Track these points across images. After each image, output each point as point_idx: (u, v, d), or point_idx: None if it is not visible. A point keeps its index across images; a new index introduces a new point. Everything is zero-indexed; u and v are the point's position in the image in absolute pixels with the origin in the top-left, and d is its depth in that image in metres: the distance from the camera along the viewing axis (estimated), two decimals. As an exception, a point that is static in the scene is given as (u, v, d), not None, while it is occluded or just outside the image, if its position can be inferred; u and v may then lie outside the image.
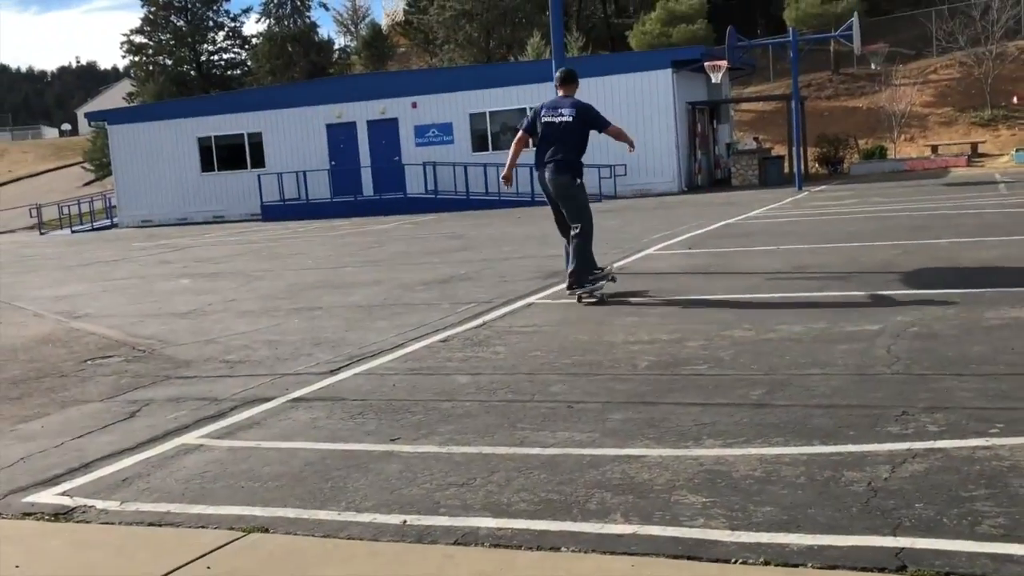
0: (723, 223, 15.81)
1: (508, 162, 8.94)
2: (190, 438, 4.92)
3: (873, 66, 31.38)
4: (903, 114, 32.65)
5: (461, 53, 48.34)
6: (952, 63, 35.90)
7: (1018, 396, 4.45)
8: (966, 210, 14.63)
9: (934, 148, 31.69)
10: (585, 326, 7.24)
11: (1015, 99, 32.95)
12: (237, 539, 3.53)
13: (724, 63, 25.83)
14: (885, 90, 34.01)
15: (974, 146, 31.06)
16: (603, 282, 8.55)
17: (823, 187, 25.37)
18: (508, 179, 8.94)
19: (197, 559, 3.37)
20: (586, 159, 8.94)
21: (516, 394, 5.29)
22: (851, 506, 3.28)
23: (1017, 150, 29.70)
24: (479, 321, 7.81)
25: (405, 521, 3.53)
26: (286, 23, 56.54)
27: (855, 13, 26.25)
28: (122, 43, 57.53)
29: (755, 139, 32.24)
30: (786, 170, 29.15)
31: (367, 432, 4.76)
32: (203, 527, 3.67)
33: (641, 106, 28.51)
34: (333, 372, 6.25)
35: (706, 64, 26.22)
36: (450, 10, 47.50)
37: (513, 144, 8.93)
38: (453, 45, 48.76)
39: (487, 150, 29.94)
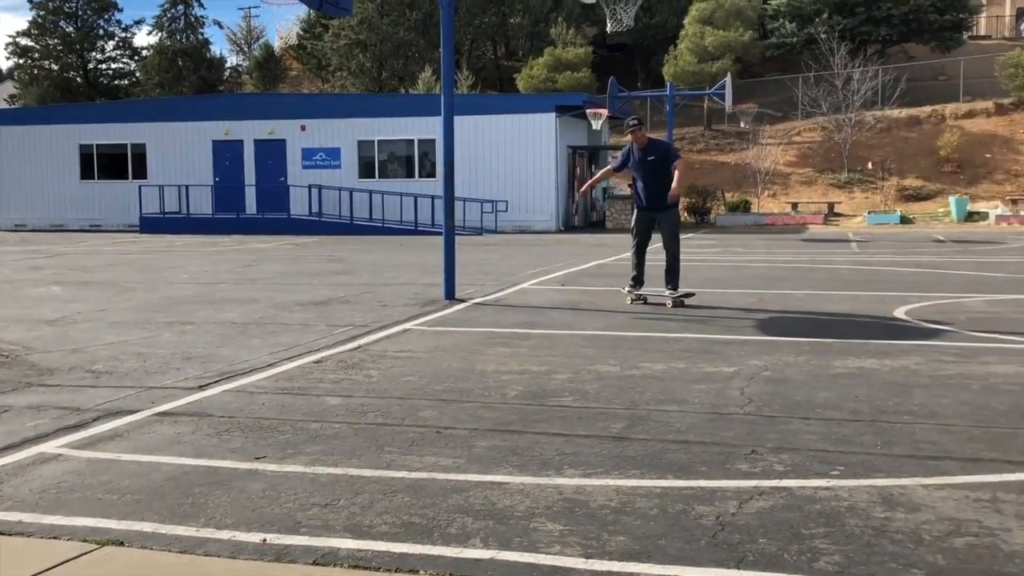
0: (596, 263, 16.21)
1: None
2: (49, 447, 4.77)
3: (742, 124, 32.77)
4: (767, 171, 34.14)
5: (353, 81, 48.22)
6: (815, 127, 37.77)
7: (858, 441, 4.75)
8: (820, 264, 15.40)
9: (794, 205, 33.22)
10: (459, 354, 7.33)
11: (870, 164, 34.88)
12: (90, 551, 3.46)
13: (605, 111, 26.60)
14: (752, 148, 35.51)
15: (831, 206, 32.68)
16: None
17: (691, 235, 26.23)
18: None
19: (46, 570, 3.29)
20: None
21: (386, 417, 5.33)
22: (700, 539, 3.45)
23: (870, 212, 31.43)
24: (354, 344, 7.81)
25: (265, 540, 3.52)
26: (178, 37, 55.36)
27: (728, 74, 27.41)
28: (7, 44, 55.48)
29: (629, 185, 33.05)
30: (657, 217, 29.97)
31: (232, 449, 4.72)
32: (56, 538, 3.58)
33: (525, 146, 29.07)
34: (202, 388, 6.15)
35: (588, 111, 26.93)
36: (344, 39, 47.40)
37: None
38: (345, 73, 48.62)
39: (373, 177, 30.01)
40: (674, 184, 9.96)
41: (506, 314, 9.72)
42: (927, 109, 38.12)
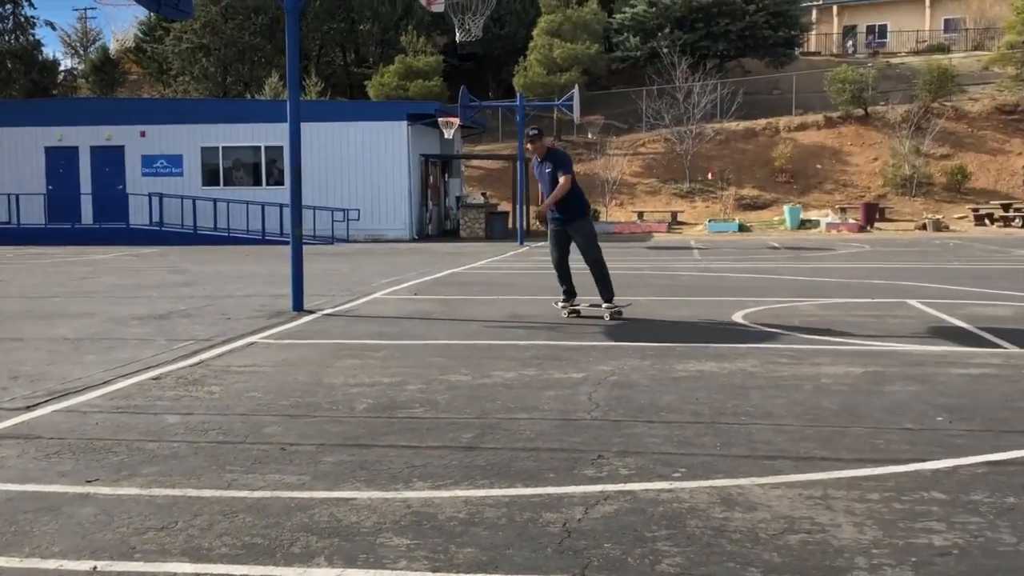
0: (449, 272, 16.21)
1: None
2: None
3: (590, 135, 33.48)
4: (614, 181, 34.98)
5: (196, 86, 46.77)
6: (658, 139, 38.94)
7: (699, 443, 4.89)
8: (664, 271, 15.87)
9: (640, 214, 34.15)
10: (306, 368, 7.18)
11: (710, 175, 36.19)
12: (-101, 590, 3.21)
13: (456, 120, 26.70)
14: (600, 158, 36.29)
15: (674, 214, 33.75)
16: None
17: (542, 243, 26.53)
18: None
19: None
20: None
21: (228, 435, 5.16)
22: (547, 547, 3.47)
23: (710, 220, 32.61)
24: (196, 359, 7.54)
25: (96, 567, 3.34)
26: (6, 38, 52.25)
27: (576, 86, 27.94)
28: None
29: (483, 194, 33.31)
30: (510, 225, 30.34)
31: (61, 473, 4.47)
32: None
33: (377, 154, 28.86)
34: (29, 408, 5.81)
35: (440, 120, 26.97)
36: (187, 42, 45.90)
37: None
38: (188, 77, 47.09)
39: (219, 185, 29.17)
40: (548, 200, 9.63)
41: (357, 325, 9.60)
42: (762, 122, 39.84)
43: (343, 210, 27.62)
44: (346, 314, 10.50)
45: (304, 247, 11.22)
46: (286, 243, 11.14)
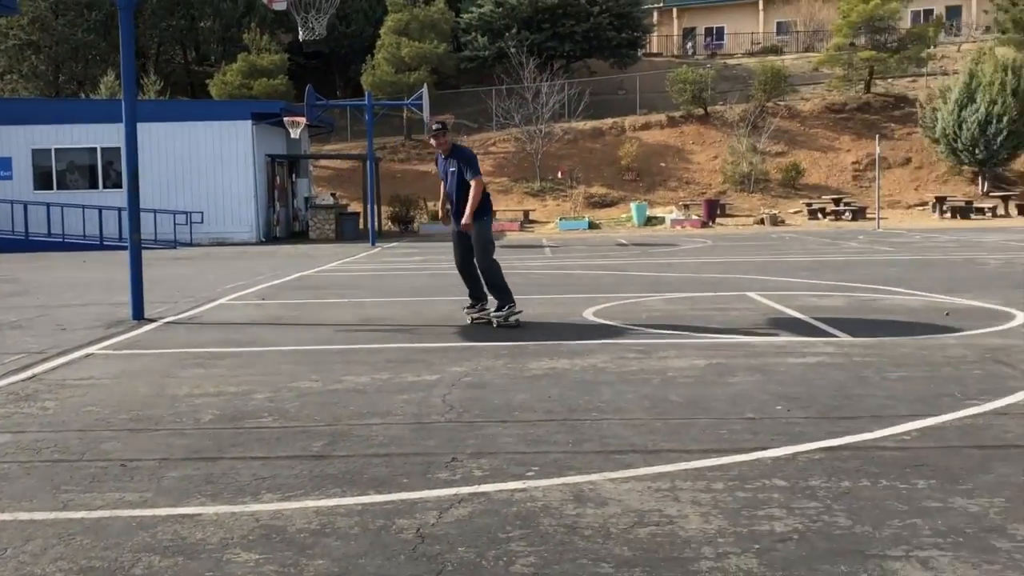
0: (299, 275, 15.89)
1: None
2: None
3: (441, 134, 33.41)
4: (467, 180, 35.04)
5: (25, 85, 44.37)
6: (509, 138, 39.30)
7: (552, 441, 4.93)
8: (517, 270, 15.99)
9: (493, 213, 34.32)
10: (148, 379, 6.89)
11: (560, 173, 36.78)
12: None
13: (303, 119, 26.25)
14: (452, 156, 36.30)
15: (526, 213, 34.13)
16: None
17: (395, 244, 26.43)
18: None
19: None
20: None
21: (63, 453, 4.89)
22: (400, 554, 3.43)
23: (561, 219, 33.12)
24: (28, 373, 7.13)
25: (-85, 603, 3.11)
26: None
27: (425, 85, 27.90)
28: None
29: (332, 195, 32.86)
30: (361, 226, 30.02)
31: None
32: None
33: (221, 155, 28.05)
34: None
35: (285, 119, 26.46)
36: (14, 39, 43.48)
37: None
38: (16, 76, 44.61)
39: (52, 188, 27.74)
40: (467, 213, 9.05)
41: (201, 333, 9.29)
42: (609, 121, 40.76)
43: (186, 213, 26.75)
44: (190, 321, 10.15)
45: (145, 252, 10.80)
46: (126, 248, 10.68)
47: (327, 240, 28.67)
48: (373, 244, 25.49)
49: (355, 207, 32.74)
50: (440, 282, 14.21)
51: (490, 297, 9.40)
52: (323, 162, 39.19)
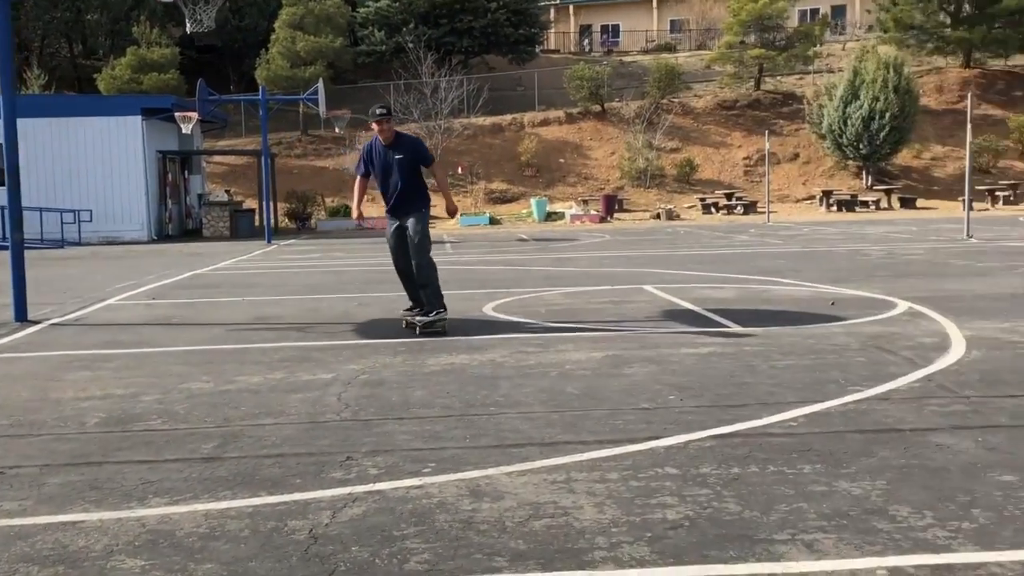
0: (191, 273, 15.51)
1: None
2: None
3: (337, 130, 33.09)
4: (366, 176, 34.73)
5: None
6: (408, 133, 39.04)
7: (449, 436, 4.92)
8: (418, 267, 15.91)
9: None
10: (30, 382, 6.62)
11: (460, 169, 36.72)
12: None
13: (195, 114, 25.61)
14: (350, 153, 35.96)
15: (427, 209, 33.97)
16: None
17: (292, 241, 26.02)
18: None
19: None
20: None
21: (-66, 464, 4.67)
22: (292, 555, 3.37)
23: (461, 214, 33.07)
24: None
25: None
26: None
27: (321, 79, 27.53)
28: None
29: (227, 191, 32.17)
30: (257, 223, 29.47)
31: None
32: None
33: (109, 151, 27.17)
34: None
35: (177, 114, 25.77)
36: None
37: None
38: None
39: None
40: (448, 197, 8.92)
41: (88, 334, 8.98)
42: (508, 117, 40.88)
43: (74, 211, 25.83)
44: (76, 323, 9.80)
45: (31, 252, 10.41)
46: (5, 248, 10.26)
47: (221, 238, 28.06)
48: (269, 241, 25.04)
49: (250, 204, 32.11)
50: (338, 279, 14.04)
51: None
52: (217, 158, 38.33)
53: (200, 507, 3.91)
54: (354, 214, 8.82)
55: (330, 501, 3.94)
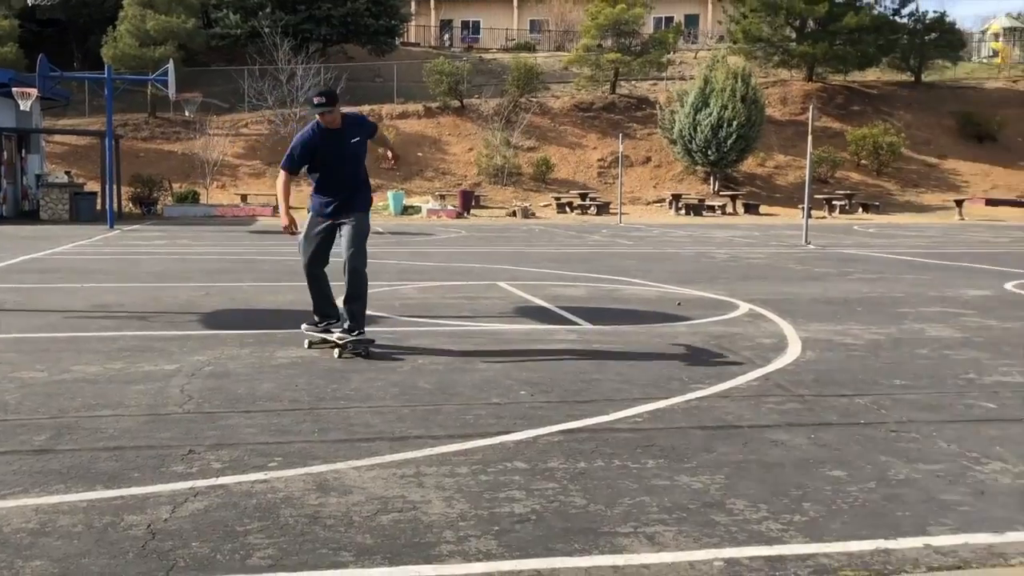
0: (26, 257, 14.73)
1: None
2: None
3: (188, 113, 32.04)
4: (215, 162, 33.77)
5: None
6: (262, 120, 38.17)
7: (297, 430, 4.83)
8: (268, 256, 15.57)
9: (243, 197, 33.27)
10: None
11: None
12: None
13: (34, 91, 24.32)
14: (200, 138, 34.87)
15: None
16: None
17: (136, 226, 25.04)
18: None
19: None
20: None
21: None
22: (128, 551, 3.24)
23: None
24: None
25: None
26: None
27: (171, 60, 26.56)
28: None
29: (67, 173, 30.68)
30: (99, 207, 28.22)
31: None
32: None
33: (-65, 126, 25.45)
34: None
35: (14, 90, 24.39)
36: None
37: None
38: None
39: None
40: (393, 149, 7.78)
41: (-93, 319, 8.39)
42: (366, 108, 40.38)
43: None
44: None
45: None
46: None
47: (60, 221, 26.73)
48: (112, 226, 24.01)
49: (93, 187, 30.70)
50: (183, 267, 13.59)
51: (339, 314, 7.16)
52: (57, 138, 36.46)
53: (30, 501, 3.72)
54: (284, 221, 7.02)
55: (170, 495, 3.81)
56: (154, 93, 36.94)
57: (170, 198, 32.19)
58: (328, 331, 7.09)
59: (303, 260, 7.15)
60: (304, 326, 7.30)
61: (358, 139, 7.12)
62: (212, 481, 4.00)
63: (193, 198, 32.10)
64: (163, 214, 30.72)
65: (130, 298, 10.01)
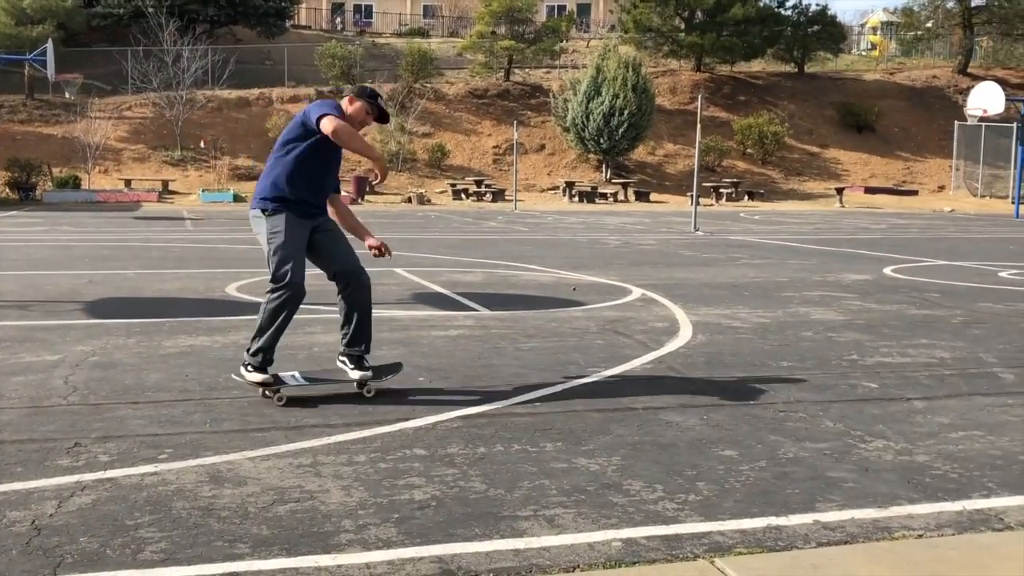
0: None
1: None
2: None
3: (68, 95, 30.79)
4: (98, 146, 32.60)
5: None
6: (147, 103, 36.96)
7: (188, 421, 4.70)
8: (154, 243, 15.12)
9: (128, 182, 32.24)
10: None
11: (203, 143, 35.20)
12: None
13: None
14: (81, 121, 33.59)
15: (165, 183, 32.36)
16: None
17: (13, 212, 24.01)
18: None
19: None
20: None
21: None
22: (11, 549, 3.10)
23: (203, 190, 31.76)
24: None
25: None
26: None
27: (50, 40, 25.49)
28: None
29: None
30: (-29, 192, 26.94)
31: None
32: None
33: None
34: None
35: None
36: None
37: None
38: None
39: None
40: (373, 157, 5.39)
41: None
42: (255, 92, 39.56)
43: None
44: None
45: None
46: None
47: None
48: (-14, 212, 22.97)
49: (-36, 171, 29.30)
50: (65, 254, 13.09)
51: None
52: (-77, 118, 34.67)
53: (-100, 502, 3.53)
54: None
55: (55, 490, 3.67)
56: (31, 74, 35.38)
57: (50, 183, 30.94)
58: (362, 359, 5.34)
59: (293, 276, 5.28)
60: (293, 375, 5.43)
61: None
62: (100, 475, 3.86)
63: (74, 183, 30.93)
64: (43, 200, 29.51)
65: (7, 286, 9.59)
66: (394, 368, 5.57)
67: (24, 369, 5.78)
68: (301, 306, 5.38)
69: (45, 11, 36.63)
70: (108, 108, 36.56)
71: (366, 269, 5.66)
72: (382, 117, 5.49)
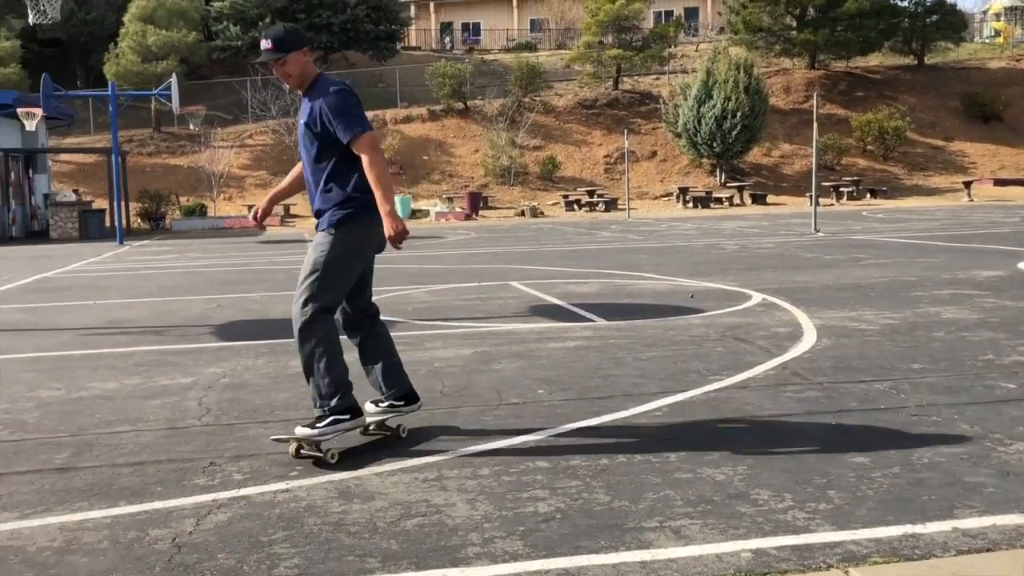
0: (38, 277, 14.78)
1: None
2: None
3: (192, 127, 32.12)
4: (222, 174, 33.87)
5: None
6: (267, 130, 38.25)
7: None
8: (278, 266, 15.60)
9: (251, 208, 33.31)
10: None
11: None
12: None
13: (39, 111, 24.43)
14: (205, 151, 34.96)
15: (287, 207, 33.35)
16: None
17: (145, 241, 25.12)
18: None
19: None
20: None
21: None
22: (155, 565, 3.24)
23: (325, 213, 32.55)
24: None
25: None
26: None
27: (174, 75, 26.65)
28: None
29: (75, 191, 30.79)
30: (108, 224, 28.32)
31: None
32: None
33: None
34: None
35: (19, 110, 24.50)
36: None
37: None
38: None
39: None
40: (380, 200, 4.52)
41: (-77, 343, 8.42)
42: (370, 114, 40.15)
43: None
44: (-90, 331, 9.19)
45: None
46: None
47: (70, 239, 26.84)
48: (121, 243, 24.10)
49: (101, 204, 30.83)
50: (194, 280, 13.63)
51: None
52: (64, 156, 36.65)
53: (54, 520, 3.72)
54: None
55: (193, 508, 3.81)
56: (158, 108, 37.06)
57: (178, 212, 32.29)
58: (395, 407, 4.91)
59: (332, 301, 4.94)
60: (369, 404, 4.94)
61: (305, 121, 4.72)
62: (234, 493, 3.99)
63: (200, 211, 32.19)
64: (171, 228, 30.81)
65: (142, 313, 10.03)
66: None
67: (160, 392, 6.03)
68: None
69: (168, 47, 38.31)
70: (230, 137, 37.95)
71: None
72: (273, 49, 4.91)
